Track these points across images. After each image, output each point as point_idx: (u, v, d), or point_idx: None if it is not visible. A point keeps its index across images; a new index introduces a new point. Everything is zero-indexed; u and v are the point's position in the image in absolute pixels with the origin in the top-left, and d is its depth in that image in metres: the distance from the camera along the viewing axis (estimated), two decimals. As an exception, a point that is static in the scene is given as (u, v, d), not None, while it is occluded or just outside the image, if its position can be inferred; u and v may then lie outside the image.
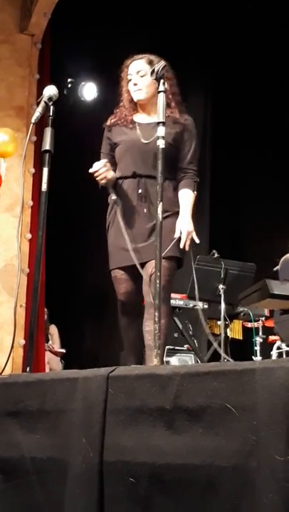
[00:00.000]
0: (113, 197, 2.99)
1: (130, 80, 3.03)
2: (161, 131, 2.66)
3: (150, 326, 2.72)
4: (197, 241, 2.91)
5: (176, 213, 2.96)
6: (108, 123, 3.12)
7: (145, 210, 2.93)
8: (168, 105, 2.92)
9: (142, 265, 2.88)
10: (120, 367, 1.77)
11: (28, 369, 2.62)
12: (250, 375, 1.48)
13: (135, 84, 3.00)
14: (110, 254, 3.02)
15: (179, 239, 2.88)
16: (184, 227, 2.89)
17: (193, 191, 2.99)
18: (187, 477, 1.51)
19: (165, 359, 4.78)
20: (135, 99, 3.04)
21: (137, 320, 2.92)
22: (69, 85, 5.48)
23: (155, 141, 2.84)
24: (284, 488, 1.35)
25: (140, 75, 3.00)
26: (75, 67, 5.52)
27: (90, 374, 1.75)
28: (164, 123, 2.67)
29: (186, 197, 2.98)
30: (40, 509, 1.73)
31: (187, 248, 2.89)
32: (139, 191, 2.94)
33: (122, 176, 3.00)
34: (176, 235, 2.88)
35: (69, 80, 5.45)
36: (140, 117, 3.07)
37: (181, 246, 2.86)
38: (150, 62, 2.96)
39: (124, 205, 2.96)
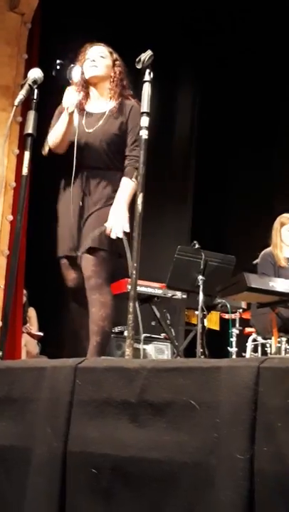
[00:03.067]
0: None
1: (87, 59, 3.05)
2: (144, 121, 2.66)
3: (89, 317, 2.82)
4: (127, 230, 2.85)
5: (107, 207, 2.95)
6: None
7: (81, 203, 2.95)
8: (112, 94, 3.03)
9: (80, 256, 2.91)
10: (89, 358, 1.77)
11: (0, 353, 2.62)
12: (216, 373, 1.49)
13: (93, 61, 3.02)
14: (58, 239, 3.03)
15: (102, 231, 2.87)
16: (112, 217, 2.88)
17: (132, 178, 2.93)
18: (149, 471, 1.53)
19: (142, 347, 4.81)
20: (89, 75, 3.04)
21: (86, 306, 2.92)
22: (58, 67, 5.39)
23: (99, 132, 2.97)
24: (242, 487, 1.36)
25: (100, 56, 3.04)
26: (64, 48, 5.42)
27: (59, 364, 1.76)
28: (148, 113, 2.67)
29: (122, 186, 2.96)
30: (3, 496, 1.74)
31: (113, 236, 2.84)
32: (80, 182, 2.97)
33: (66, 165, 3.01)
34: (110, 230, 2.86)
35: (58, 61, 5.35)
36: (89, 106, 3.07)
37: (113, 236, 2.83)
38: (110, 52, 3.07)
39: (64, 194, 3.00)
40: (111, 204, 2.92)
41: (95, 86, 3.08)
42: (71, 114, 2.94)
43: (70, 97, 2.95)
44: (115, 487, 1.58)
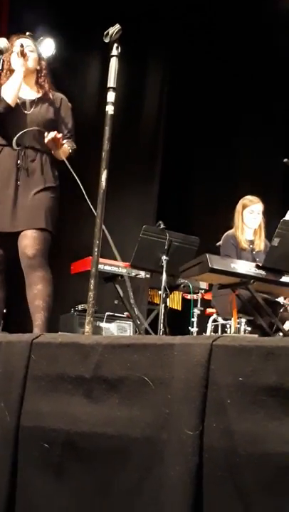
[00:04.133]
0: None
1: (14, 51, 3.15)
2: (111, 96, 2.65)
3: (29, 294, 2.94)
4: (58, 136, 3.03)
5: (52, 188, 3.08)
6: None
7: (19, 182, 3.01)
8: (42, 86, 3.20)
9: (14, 234, 2.98)
10: (45, 334, 1.77)
11: None
12: (170, 349, 1.50)
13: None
14: None
15: (52, 212, 3.03)
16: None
17: (68, 147, 3.15)
18: (100, 446, 1.54)
19: (104, 325, 4.82)
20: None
21: (4, 282, 3.07)
22: (27, 39, 5.31)
23: (37, 115, 3.10)
24: (191, 462, 1.38)
25: (29, 50, 3.15)
26: (33, 20, 5.34)
27: (14, 339, 1.75)
28: (114, 88, 2.65)
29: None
30: None
31: (46, 140, 3.01)
32: (18, 162, 3.02)
33: (3, 144, 3.07)
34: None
35: (27, 33, 5.27)
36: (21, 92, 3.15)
37: (48, 137, 2.99)
38: (35, 46, 3.23)
39: (1, 172, 3.03)
40: (47, 188, 3.05)
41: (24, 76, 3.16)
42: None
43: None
44: (67, 462, 1.59)
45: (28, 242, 2.94)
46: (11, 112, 3.04)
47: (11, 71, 3.12)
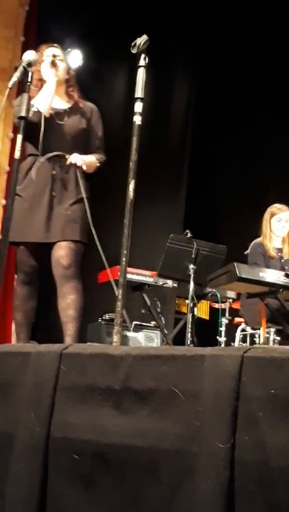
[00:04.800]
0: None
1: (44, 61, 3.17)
2: (138, 107, 2.65)
3: (62, 304, 2.99)
4: (84, 168, 3.09)
5: (87, 199, 3.11)
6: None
7: (54, 193, 3.05)
8: (71, 96, 3.24)
9: (47, 244, 3.02)
10: (74, 344, 1.77)
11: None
12: (200, 361, 1.49)
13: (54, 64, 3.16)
14: (17, 224, 3.05)
15: (86, 223, 3.04)
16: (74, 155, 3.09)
17: (96, 160, 3.20)
18: (130, 458, 1.53)
19: (132, 335, 4.81)
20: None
21: (35, 293, 3.11)
22: (54, 51, 5.36)
23: (69, 125, 3.14)
24: (222, 475, 1.37)
25: (59, 59, 3.18)
26: (61, 32, 5.40)
27: (43, 349, 1.75)
28: (142, 99, 2.65)
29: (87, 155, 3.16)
30: (-16, 479, 1.74)
31: (68, 162, 3.07)
32: (53, 172, 3.07)
33: (35, 154, 3.11)
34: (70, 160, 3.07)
35: (54, 45, 5.33)
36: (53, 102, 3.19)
37: (69, 161, 3.06)
38: (64, 56, 3.26)
39: (35, 182, 3.07)
40: (81, 199, 3.07)
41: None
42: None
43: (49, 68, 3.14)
44: (97, 473, 1.58)
45: (64, 252, 2.99)
46: (45, 123, 3.07)
47: (42, 81, 3.15)
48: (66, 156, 3.08)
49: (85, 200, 3.08)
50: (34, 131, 3.07)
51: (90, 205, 3.14)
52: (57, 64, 3.11)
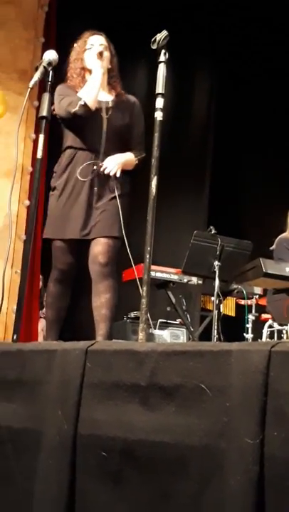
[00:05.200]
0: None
1: (89, 49, 3.09)
2: (159, 102, 2.64)
3: (96, 302, 2.93)
4: (118, 175, 3.00)
5: (125, 195, 3.04)
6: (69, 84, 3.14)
7: (96, 189, 2.98)
8: (114, 87, 3.14)
9: (88, 241, 2.96)
10: (100, 341, 1.76)
11: (14, 337, 2.63)
12: (227, 356, 1.47)
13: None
14: (54, 220, 3.03)
15: (119, 220, 2.97)
16: (108, 159, 2.99)
17: (136, 157, 3.09)
18: (158, 454, 1.52)
19: (157, 332, 4.80)
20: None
21: (69, 291, 3.06)
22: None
23: (113, 120, 3.04)
24: (252, 471, 1.35)
25: (104, 48, 3.08)
26: (81, 32, 5.41)
27: (69, 347, 1.75)
28: (163, 94, 2.64)
29: (125, 153, 3.06)
30: (13, 477, 1.75)
31: (106, 172, 2.97)
32: (94, 167, 2.99)
33: (77, 147, 3.02)
34: (104, 167, 2.98)
35: (75, 45, 5.34)
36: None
37: (106, 172, 2.97)
38: (108, 43, 3.13)
39: (75, 177, 2.99)
40: (119, 195, 3.00)
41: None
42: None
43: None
44: (124, 470, 1.58)
45: (102, 249, 2.93)
46: (91, 118, 3.01)
47: (85, 70, 3.09)
48: (100, 164, 2.99)
49: (117, 198, 2.99)
50: (77, 124, 3.00)
51: (128, 201, 3.08)
52: (104, 55, 3.02)
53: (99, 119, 3.03)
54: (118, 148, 3.04)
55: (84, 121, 2.99)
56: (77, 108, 2.96)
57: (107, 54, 3.09)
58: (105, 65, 3.08)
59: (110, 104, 3.09)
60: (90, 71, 3.10)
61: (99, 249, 2.94)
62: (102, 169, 2.98)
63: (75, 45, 3.20)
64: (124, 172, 3.04)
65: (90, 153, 3.02)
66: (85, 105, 2.96)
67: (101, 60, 3.02)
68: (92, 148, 3.02)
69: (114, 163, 2.98)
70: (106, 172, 2.97)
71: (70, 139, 3.07)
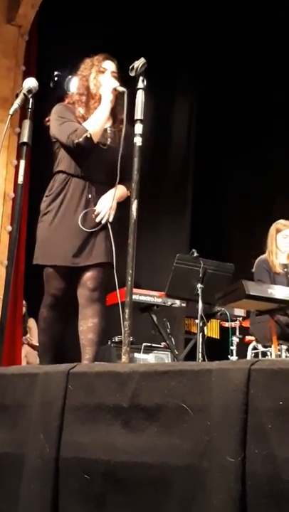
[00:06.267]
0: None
1: (102, 72, 3.05)
2: (138, 128, 2.66)
3: (83, 326, 2.93)
4: (110, 219, 2.98)
5: (115, 222, 3.03)
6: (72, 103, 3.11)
7: (86, 216, 2.97)
8: (116, 117, 3.08)
9: (77, 268, 2.96)
10: (81, 363, 1.77)
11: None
12: (207, 375, 1.48)
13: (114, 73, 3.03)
14: (44, 245, 3.02)
15: (110, 246, 2.97)
16: (100, 204, 2.97)
17: (128, 189, 2.99)
18: (141, 476, 1.51)
19: (142, 356, 4.79)
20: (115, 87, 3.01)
21: (62, 316, 3.05)
22: (55, 78, 5.46)
23: (112, 148, 3.00)
24: (234, 490, 1.35)
25: (114, 75, 3.06)
26: (61, 60, 5.48)
27: (51, 369, 1.75)
28: (141, 120, 2.67)
29: (119, 189, 3.01)
30: (-5, 503, 1.73)
31: (98, 220, 2.95)
32: (89, 196, 2.99)
33: (71, 174, 3.01)
34: (97, 213, 2.96)
35: (55, 72, 5.42)
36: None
37: (97, 220, 2.95)
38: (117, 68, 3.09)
39: (67, 203, 2.98)
40: (113, 222, 2.99)
41: (98, 101, 3.04)
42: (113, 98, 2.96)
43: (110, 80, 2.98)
44: (108, 492, 1.57)
45: (92, 274, 2.94)
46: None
47: (89, 92, 3.02)
48: (94, 210, 2.97)
49: (109, 226, 2.98)
50: (74, 151, 2.98)
51: (117, 227, 3.06)
52: (118, 90, 2.95)
53: (97, 149, 3.01)
54: (111, 177, 2.98)
55: (84, 151, 2.97)
56: (81, 140, 2.92)
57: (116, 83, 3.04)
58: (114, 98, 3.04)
59: (109, 135, 3.07)
60: (94, 94, 3.06)
61: (89, 274, 2.95)
62: (94, 214, 2.97)
63: (88, 60, 3.12)
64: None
65: (84, 181, 3.00)
66: (90, 138, 2.94)
67: (113, 96, 2.99)
68: (86, 177, 3.01)
69: (107, 209, 2.97)
70: (98, 220, 2.96)
71: (64, 163, 3.04)
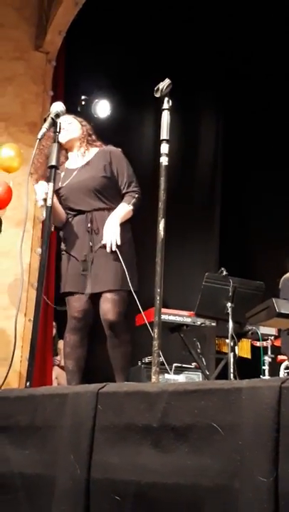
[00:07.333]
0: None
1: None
2: (164, 148, 2.68)
3: (112, 354, 3.02)
4: (118, 243, 3.01)
5: (126, 242, 3.08)
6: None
7: (90, 243, 3.06)
8: (91, 145, 3.26)
9: (95, 295, 3.03)
10: (110, 383, 1.76)
11: (27, 384, 2.62)
12: (237, 394, 1.47)
13: (63, 129, 3.14)
14: (65, 277, 3.15)
15: (123, 271, 2.99)
16: (106, 233, 3.02)
17: (129, 204, 3.11)
18: (172, 496, 1.49)
19: (173, 377, 4.76)
20: (64, 140, 3.20)
21: (86, 341, 3.11)
22: (83, 102, 5.55)
23: (88, 176, 3.14)
24: (266, 510, 1.32)
25: (68, 123, 3.24)
26: (88, 84, 5.58)
27: (80, 390, 1.75)
28: (167, 140, 2.69)
29: (118, 207, 3.10)
30: (27, 525, 1.72)
31: (108, 250, 2.99)
32: (88, 225, 3.09)
33: (71, 213, 3.17)
34: (104, 244, 3.01)
35: (83, 97, 5.51)
36: (70, 163, 3.26)
37: (108, 250, 2.99)
38: (74, 117, 3.31)
39: (73, 237, 3.12)
40: (121, 245, 3.02)
41: (71, 148, 3.27)
42: (42, 206, 3.04)
43: (40, 190, 3.06)
44: (139, 514, 1.55)
45: (110, 306, 2.97)
46: (64, 185, 3.17)
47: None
48: (103, 243, 3.03)
49: (118, 251, 3.00)
50: (59, 200, 3.16)
51: (132, 246, 3.12)
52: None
53: (75, 185, 3.14)
54: (109, 200, 3.12)
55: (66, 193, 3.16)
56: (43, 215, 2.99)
57: (75, 126, 3.27)
58: (68, 138, 3.23)
59: (83, 166, 3.19)
60: (68, 146, 3.29)
61: (107, 306, 2.99)
62: (103, 244, 3.03)
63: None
64: (121, 224, 3.09)
65: (84, 216, 3.12)
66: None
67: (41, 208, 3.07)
68: (83, 212, 3.13)
69: (113, 236, 3.01)
70: (108, 250, 3.01)
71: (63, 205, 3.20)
